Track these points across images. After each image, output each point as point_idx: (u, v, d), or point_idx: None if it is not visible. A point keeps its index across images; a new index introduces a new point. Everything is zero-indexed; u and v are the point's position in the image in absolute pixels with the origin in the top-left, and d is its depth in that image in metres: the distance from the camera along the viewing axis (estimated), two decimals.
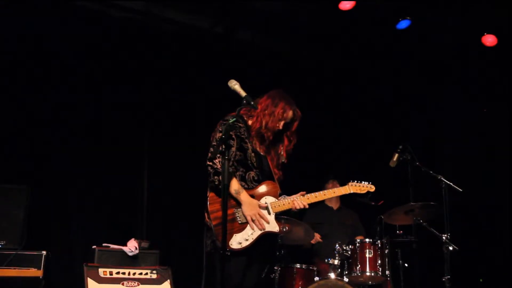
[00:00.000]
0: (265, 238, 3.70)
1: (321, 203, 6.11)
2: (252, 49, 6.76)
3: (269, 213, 3.67)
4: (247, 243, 3.55)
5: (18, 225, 4.64)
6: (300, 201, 3.73)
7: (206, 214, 3.56)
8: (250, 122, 3.80)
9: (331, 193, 3.90)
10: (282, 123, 3.77)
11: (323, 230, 5.91)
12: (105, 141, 5.75)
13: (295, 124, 3.83)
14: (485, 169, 7.32)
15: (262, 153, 3.81)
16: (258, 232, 3.60)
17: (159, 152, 6.01)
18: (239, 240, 3.53)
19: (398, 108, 7.76)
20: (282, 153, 3.87)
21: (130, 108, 5.95)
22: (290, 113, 3.78)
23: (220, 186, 3.50)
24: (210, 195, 3.58)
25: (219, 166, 3.54)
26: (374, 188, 4.05)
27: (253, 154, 3.73)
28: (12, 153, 5.21)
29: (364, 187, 4.03)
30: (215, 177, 3.55)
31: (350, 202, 5.98)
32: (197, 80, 6.29)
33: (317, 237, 5.80)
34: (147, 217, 5.85)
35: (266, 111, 3.72)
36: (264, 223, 3.63)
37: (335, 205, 6.21)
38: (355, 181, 4.03)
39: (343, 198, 6.10)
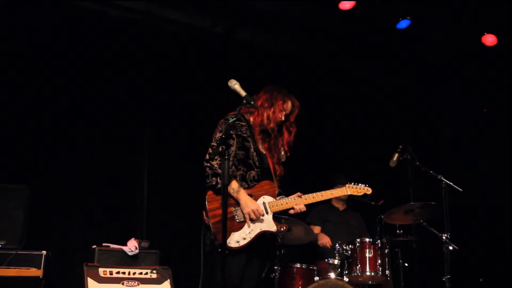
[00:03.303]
0: (264, 237, 3.71)
1: (328, 203, 6.11)
2: (252, 49, 6.76)
3: (267, 213, 3.68)
4: (245, 241, 3.56)
5: (18, 225, 4.63)
6: (299, 204, 3.74)
7: (204, 213, 3.58)
8: (251, 120, 3.83)
9: (329, 195, 3.92)
10: (283, 113, 3.82)
11: (329, 228, 5.91)
12: (105, 141, 5.75)
13: (294, 114, 3.88)
14: (485, 169, 7.32)
15: (263, 152, 3.83)
16: (255, 231, 3.61)
17: (159, 152, 6.01)
18: (237, 239, 3.55)
19: (398, 107, 7.76)
20: (283, 147, 3.90)
21: (130, 108, 5.95)
22: (289, 104, 3.85)
23: (218, 186, 3.52)
24: (208, 193, 3.60)
25: (217, 167, 3.56)
26: (371, 190, 4.07)
27: (255, 153, 3.75)
28: (12, 153, 5.20)
29: (361, 189, 4.05)
30: (213, 178, 3.57)
31: (356, 206, 5.99)
32: (197, 79, 6.29)
33: (328, 241, 5.75)
34: (147, 217, 5.85)
35: (266, 104, 3.79)
36: (262, 222, 3.64)
37: (341, 207, 6.21)
38: (353, 183, 4.05)
39: (349, 201, 6.11)
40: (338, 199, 6.11)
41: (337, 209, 6.18)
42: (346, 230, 5.94)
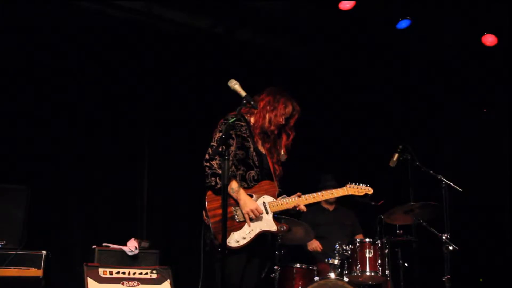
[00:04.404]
0: (264, 237, 3.72)
1: (317, 204, 6.09)
2: (252, 49, 6.76)
3: (267, 213, 3.69)
4: (245, 241, 3.56)
5: (18, 225, 4.64)
6: (300, 204, 3.75)
7: (204, 212, 3.58)
8: (252, 120, 3.84)
9: (329, 194, 3.91)
10: (284, 117, 3.83)
11: (322, 231, 5.90)
12: (105, 141, 5.75)
13: (294, 118, 3.89)
14: (485, 169, 7.31)
15: (263, 152, 3.84)
16: (255, 231, 3.61)
17: (159, 152, 6.02)
18: (237, 239, 3.55)
19: (398, 108, 7.75)
20: (281, 149, 3.90)
21: (130, 108, 5.96)
22: (290, 108, 3.86)
23: (217, 186, 3.53)
24: (208, 193, 3.60)
25: (216, 167, 3.57)
26: (372, 190, 4.04)
27: (254, 153, 3.76)
28: (12, 153, 5.20)
29: (362, 189, 4.03)
30: (212, 178, 3.58)
31: (346, 201, 5.97)
32: (197, 80, 6.29)
33: (318, 245, 5.76)
34: (147, 217, 5.85)
35: (268, 107, 3.80)
36: (262, 222, 3.64)
37: (331, 207, 6.21)
38: (353, 183, 4.03)
39: (340, 201, 6.09)
40: (327, 201, 6.10)
41: (327, 210, 6.18)
42: (339, 230, 5.95)
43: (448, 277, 4.70)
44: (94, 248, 4.86)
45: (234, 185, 3.62)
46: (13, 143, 5.24)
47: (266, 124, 3.80)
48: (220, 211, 3.22)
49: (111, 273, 4.72)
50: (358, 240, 5.27)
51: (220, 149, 3.19)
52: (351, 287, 4.90)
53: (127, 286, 4.72)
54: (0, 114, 5.22)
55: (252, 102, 3.39)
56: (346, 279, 5.04)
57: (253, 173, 3.73)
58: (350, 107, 7.46)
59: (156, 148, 6.03)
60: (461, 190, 4.97)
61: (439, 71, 7.38)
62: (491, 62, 6.99)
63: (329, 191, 3.94)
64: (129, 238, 5.08)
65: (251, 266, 3.66)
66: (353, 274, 5.12)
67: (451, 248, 4.70)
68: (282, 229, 3.74)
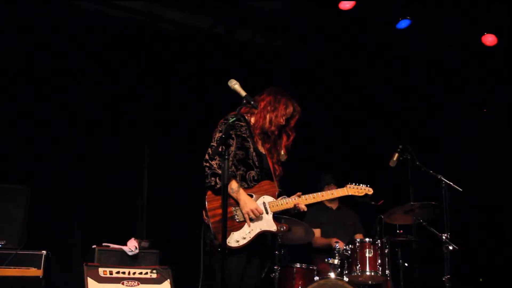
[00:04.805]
0: (264, 237, 3.72)
1: (320, 203, 6.08)
2: (252, 49, 6.76)
3: (267, 213, 3.69)
4: (245, 241, 3.57)
5: (18, 225, 4.64)
6: (300, 204, 3.75)
7: (204, 212, 3.58)
8: (252, 120, 3.84)
9: (329, 195, 3.93)
10: (284, 118, 3.83)
11: (323, 230, 5.90)
12: (105, 141, 5.75)
13: (295, 119, 3.89)
14: (485, 169, 7.31)
15: (263, 152, 3.84)
16: (255, 231, 3.61)
17: (159, 152, 6.02)
18: (237, 238, 3.55)
19: (398, 108, 7.75)
20: (281, 149, 3.91)
21: (130, 108, 5.96)
22: (291, 108, 3.86)
23: (217, 186, 3.53)
24: (208, 193, 3.60)
25: (216, 167, 3.57)
26: (372, 191, 4.05)
27: (254, 153, 3.76)
28: (12, 153, 5.20)
29: (362, 189, 4.04)
30: (212, 178, 3.58)
31: (349, 202, 5.98)
32: (197, 80, 6.29)
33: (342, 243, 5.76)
34: (147, 217, 5.85)
35: (269, 107, 3.80)
36: (262, 222, 3.64)
37: (334, 205, 6.21)
38: (354, 184, 4.04)
39: (342, 197, 6.08)
40: (330, 199, 6.09)
41: (330, 208, 6.18)
42: (341, 230, 5.94)
43: (448, 277, 4.70)
44: (94, 248, 4.86)
45: (234, 185, 3.62)
46: (13, 143, 5.24)
47: (267, 124, 3.80)
48: (220, 211, 3.22)
49: (111, 273, 4.72)
50: (358, 240, 5.26)
51: (220, 149, 3.19)
52: (351, 287, 4.90)
53: (127, 286, 4.72)
54: (0, 114, 5.22)
55: (252, 102, 3.39)
56: (346, 279, 5.03)
57: (253, 173, 3.73)
58: (350, 107, 7.45)
59: (156, 148, 6.02)
60: (461, 190, 4.97)
61: (439, 71, 7.38)
62: (491, 62, 6.99)
63: (329, 192, 3.95)
64: (129, 238, 5.08)
65: (251, 266, 3.67)
66: (353, 274, 5.12)
67: (451, 248, 4.69)
68: (282, 229, 3.74)
